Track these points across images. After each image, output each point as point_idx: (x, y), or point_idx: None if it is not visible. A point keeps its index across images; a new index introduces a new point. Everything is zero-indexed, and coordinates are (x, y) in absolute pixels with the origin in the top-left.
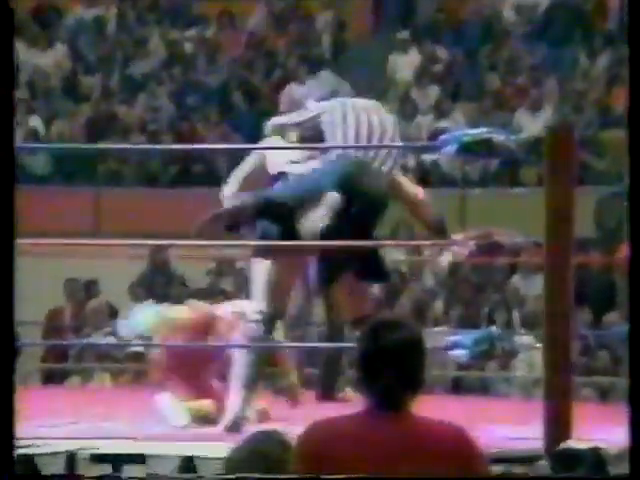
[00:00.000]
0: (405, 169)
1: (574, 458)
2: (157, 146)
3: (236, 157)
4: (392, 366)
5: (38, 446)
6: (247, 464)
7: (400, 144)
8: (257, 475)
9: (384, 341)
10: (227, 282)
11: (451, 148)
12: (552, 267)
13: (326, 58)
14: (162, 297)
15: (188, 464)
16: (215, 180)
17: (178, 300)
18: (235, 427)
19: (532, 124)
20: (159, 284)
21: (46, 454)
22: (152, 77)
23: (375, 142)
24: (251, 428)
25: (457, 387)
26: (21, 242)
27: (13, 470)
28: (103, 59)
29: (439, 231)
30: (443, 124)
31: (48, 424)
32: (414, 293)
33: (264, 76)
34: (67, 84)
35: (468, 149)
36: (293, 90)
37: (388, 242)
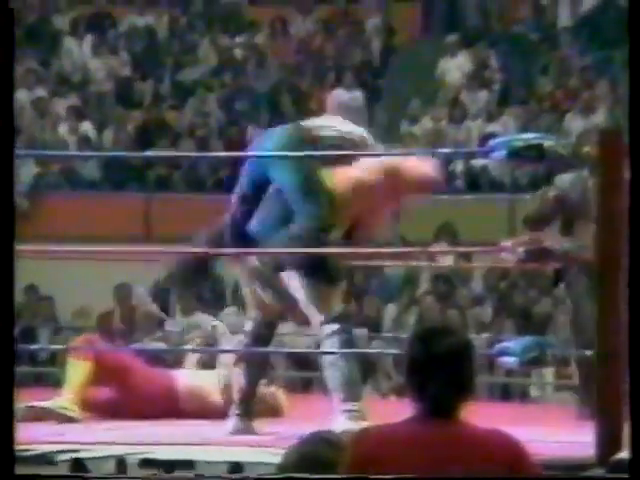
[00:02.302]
0: (454, 175)
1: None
2: (204, 154)
3: None
4: (442, 373)
5: (89, 450)
6: (299, 467)
7: (451, 150)
8: (272, 476)
9: (434, 348)
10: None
11: (501, 153)
12: (603, 275)
13: (375, 64)
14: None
15: (236, 470)
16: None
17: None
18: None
19: (582, 128)
20: (205, 290)
21: (97, 458)
22: (202, 83)
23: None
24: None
25: (506, 393)
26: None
27: (13, 470)
28: (155, 66)
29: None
30: (492, 128)
31: (100, 427)
32: (462, 299)
33: (312, 81)
34: (120, 90)
35: (518, 154)
36: (340, 95)
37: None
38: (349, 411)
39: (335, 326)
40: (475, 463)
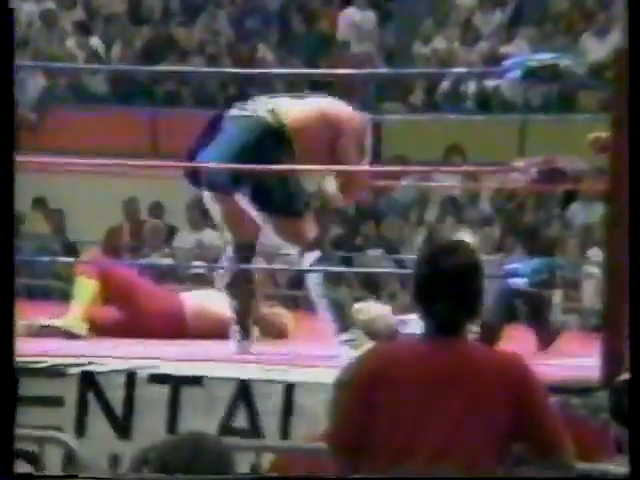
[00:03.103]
0: (465, 96)
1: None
2: (214, 69)
3: (294, 79)
4: (449, 290)
5: (100, 364)
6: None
7: (464, 69)
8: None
9: (441, 265)
10: None
11: (516, 73)
12: (613, 195)
13: None
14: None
15: (243, 387)
16: None
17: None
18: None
19: (598, 49)
20: None
21: (107, 372)
22: (212, 0)
23: None
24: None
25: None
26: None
27: (13, 470)
28: None
29: None
30: (506, 49)
31: (109, 345)
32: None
33: (323, 0)
34: (128, 6)
35: (533, 74)
36: (351, 15)
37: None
38: (347, 341)
39: (313, 257)
40: (480, 381)
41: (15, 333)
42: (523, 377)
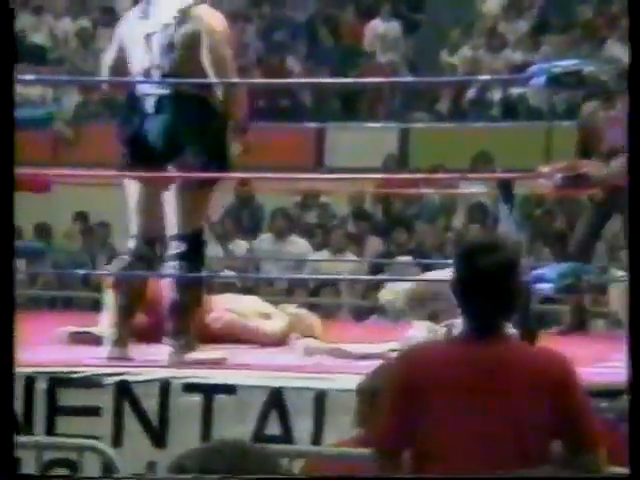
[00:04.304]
0: (491, 103)
1: None
2: (244, 80)
3: (321, 91)
4: (488, 291)
5: (135, 374)
6: (374, 394)
7: (489, 77)
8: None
9: (481, 264)
10: (311, 216)
11: (540, 80)
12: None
13: None
14: (248, 230)
15: (276, 395)
16: (301, 114)
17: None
18: None
19: (623, 55)
20: (245, 217)
21: (141, 382)
22: (241, 15)
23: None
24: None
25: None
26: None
27: (13, 470)
28: None
29: (242, 132)
30: (531, 56)
31: (142, 352)
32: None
33: (350, 12)
34: None
35: (558, 81)
36: (377, 26)
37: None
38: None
39: (183, 246)
40: (522, 379)
41: (15, 337)
42: (564, 375)
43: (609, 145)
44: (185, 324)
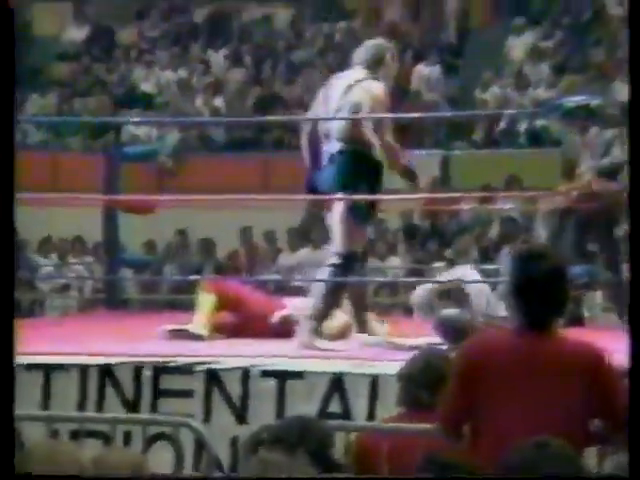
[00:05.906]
0: (519, 133)
1: None
2: (311, 117)
3: None
4: (542, 291)
5: (221, 363)
6: (419, 378)
7: (516, 111)
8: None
9: (535, 269)
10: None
11: (557, 113)
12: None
13: (453, 44)
14: (316, 243)
15: (337, 379)
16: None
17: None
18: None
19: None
20: (314, 232)
21: (227, 369)
22: (309, 63)
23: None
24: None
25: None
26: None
27: (13, 470)
28: (271, 49)
29: (410, 176)
30: (551, 94)
31: (226, 345)
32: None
33: (398, 58)
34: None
35: (571, 114)
36: (421, 70)
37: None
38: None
39: (338, 261)
40: (567, 369)
41: (15, 335)
42: (601, 364)
43: (585, 166)
44: (320, 314)
